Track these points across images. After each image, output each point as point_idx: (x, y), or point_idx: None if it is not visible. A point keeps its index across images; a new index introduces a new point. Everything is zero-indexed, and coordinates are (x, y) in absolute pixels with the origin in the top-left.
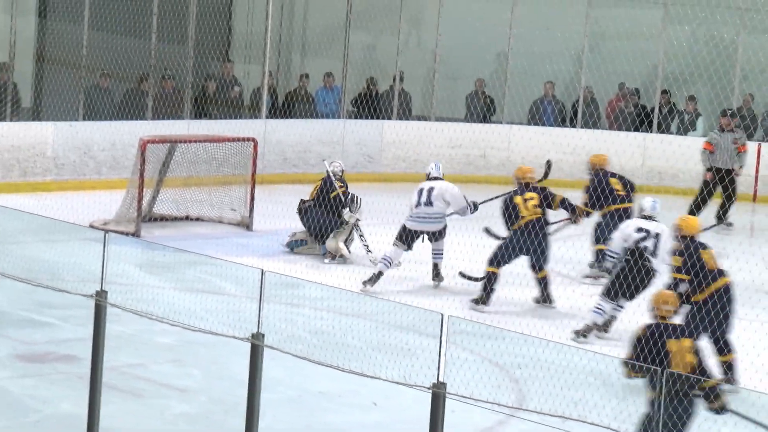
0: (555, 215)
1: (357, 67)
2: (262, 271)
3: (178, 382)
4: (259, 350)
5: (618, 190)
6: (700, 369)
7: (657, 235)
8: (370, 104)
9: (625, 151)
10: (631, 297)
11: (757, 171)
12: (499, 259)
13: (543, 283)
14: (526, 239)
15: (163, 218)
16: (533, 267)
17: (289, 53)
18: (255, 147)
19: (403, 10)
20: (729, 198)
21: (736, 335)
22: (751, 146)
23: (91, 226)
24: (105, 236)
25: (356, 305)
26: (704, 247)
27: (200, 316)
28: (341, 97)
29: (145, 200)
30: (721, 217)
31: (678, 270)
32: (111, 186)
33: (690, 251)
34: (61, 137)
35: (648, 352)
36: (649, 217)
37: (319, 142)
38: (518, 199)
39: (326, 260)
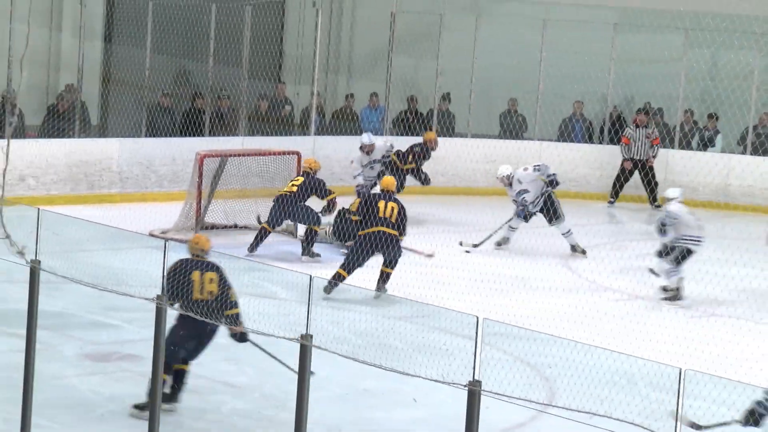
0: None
1: (399, 88)
2: (311, 276)
3: (233, 379)
4: (307, 350)
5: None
6: (222, 296)
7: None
8: (412, 122)
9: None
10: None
11: None
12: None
13: (310, 238)
14: (284, 206)
15: (213, 227)
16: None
17: (336, 75)
18: (299, 160)
19: (442, 35)
20: (650, 183)
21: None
22: None
23: (151, 235)
24: (165, 244)
25: (398, 309)
26: (389, 199)
27: (253, 318)
28: (385, 116)
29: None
30: (654, 202)
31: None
32: (171, 198)
33: (368, 196)
34: (125, 153)
35: (177, 282)
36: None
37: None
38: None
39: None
